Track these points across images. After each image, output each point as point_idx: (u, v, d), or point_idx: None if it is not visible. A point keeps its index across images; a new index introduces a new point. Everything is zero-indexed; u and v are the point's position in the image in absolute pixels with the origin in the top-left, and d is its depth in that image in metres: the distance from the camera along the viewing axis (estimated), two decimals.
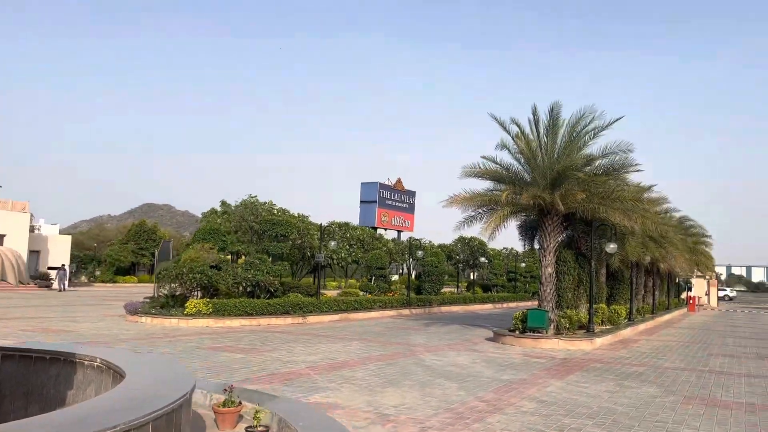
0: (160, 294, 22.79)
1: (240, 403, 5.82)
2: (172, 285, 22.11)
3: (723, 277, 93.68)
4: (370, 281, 33.11)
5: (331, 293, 32.23)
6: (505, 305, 42.01)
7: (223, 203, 34.56)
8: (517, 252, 53.10)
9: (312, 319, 23.59)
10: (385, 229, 72.97)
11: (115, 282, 56.39)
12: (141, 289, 41.95)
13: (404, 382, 11.41)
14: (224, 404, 5.75)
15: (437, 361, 14.39)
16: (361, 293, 31.13)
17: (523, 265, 50.09)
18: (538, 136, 20.23)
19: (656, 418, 9.19)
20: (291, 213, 27.67)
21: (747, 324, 34.92)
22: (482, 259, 44.28)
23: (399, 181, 78.47)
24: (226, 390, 5.84)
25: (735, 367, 15.53)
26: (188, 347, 15.25)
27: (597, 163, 19.55)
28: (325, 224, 30.67)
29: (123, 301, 25.66)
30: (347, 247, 34.16)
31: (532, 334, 18.88)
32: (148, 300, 23.26)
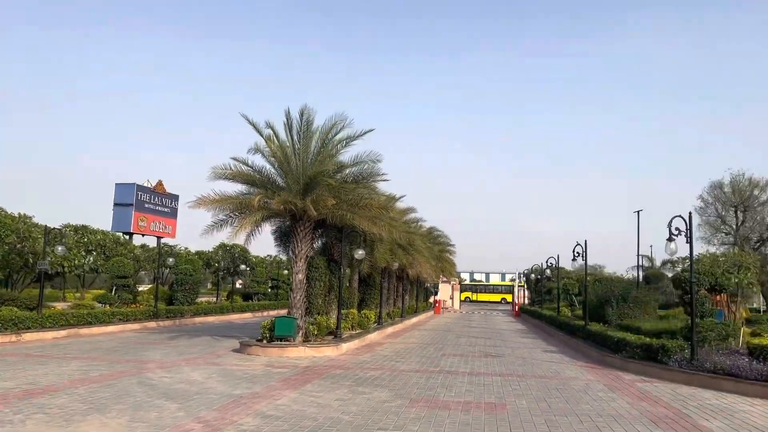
0: None
1: None
2: None
3: (466, 282, 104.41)
4: (112, 292, 29.84)
5: (63, 306, 28.30)
6: (265, 313, 41.13)
7: None
8: (281, 259, 52.81)
9: (30, 336, 20.23)
10: (143, 235, 67.43)
11: None
12: None
13: (115, 406, 9.92)
14: None
15: (167, 379, 13.00)
16: (98, 305, 27.82)
17: (286, 272, 49.85)
18: (293, 140, 19.92)
19: (379, 425, 9.11)
20: (8, 213, 23.53)
21: (480, 324, 38.84)
22: (243, 267, 43.00)
23: (160, 183, 72.93)
24: None
25: (462, 365, 16.66)
26: None
27: (348, 171, 19.82)
28: (57, 226, 26.81)
29: None
30: (83, 253, 30.28)
31: (279, 342, 18.35)
32: None
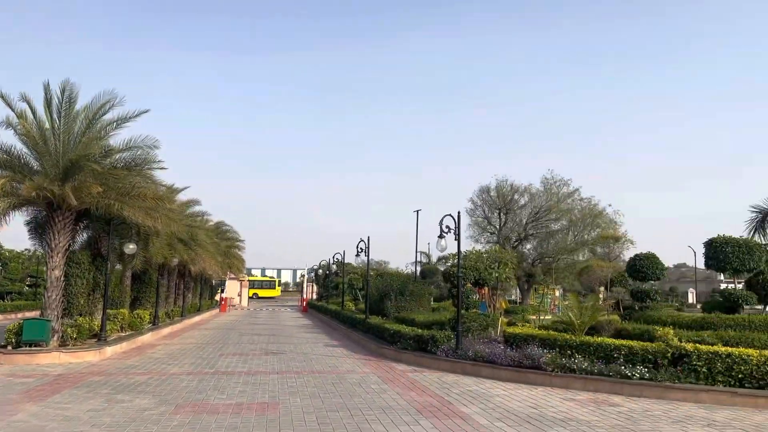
0: None
1: None
2: None
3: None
4: None
5: None
6: (20, 315, 36.02)
7: None
8: (42, 254, 46.75)
9: None
10: None
11: None
12: None
13: None
14: None
15: None
16: None
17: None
18: (52, 118, 17.53)
19: None
20: None
21: (266, 321, 38.24)
22: None
23: None
24: None
25: (240, 365, 15.99)
26: None
27: (119, 156, 17.93)
28: None
29: None
30: None
31: (29, 348, 16.03)
32: None
